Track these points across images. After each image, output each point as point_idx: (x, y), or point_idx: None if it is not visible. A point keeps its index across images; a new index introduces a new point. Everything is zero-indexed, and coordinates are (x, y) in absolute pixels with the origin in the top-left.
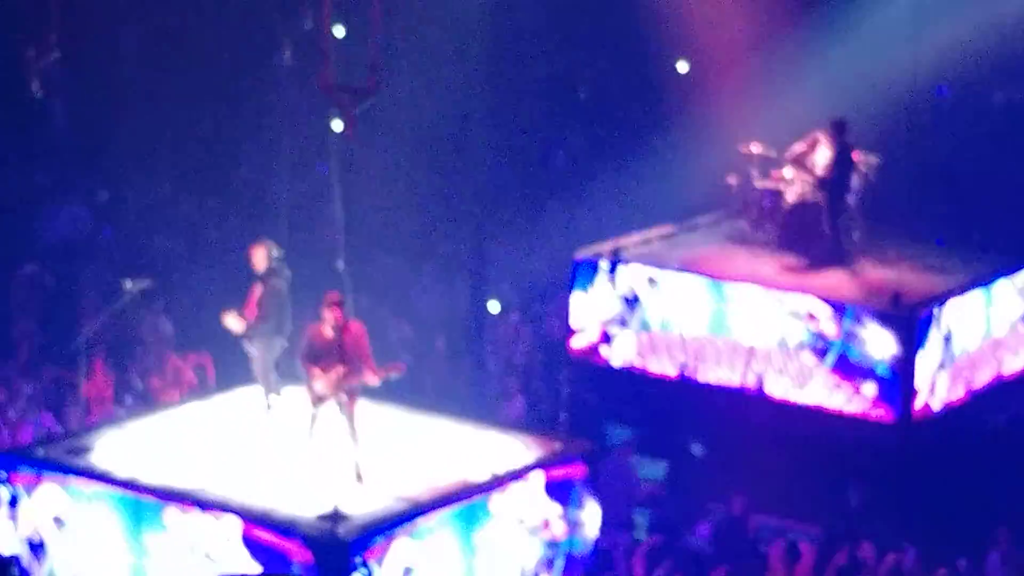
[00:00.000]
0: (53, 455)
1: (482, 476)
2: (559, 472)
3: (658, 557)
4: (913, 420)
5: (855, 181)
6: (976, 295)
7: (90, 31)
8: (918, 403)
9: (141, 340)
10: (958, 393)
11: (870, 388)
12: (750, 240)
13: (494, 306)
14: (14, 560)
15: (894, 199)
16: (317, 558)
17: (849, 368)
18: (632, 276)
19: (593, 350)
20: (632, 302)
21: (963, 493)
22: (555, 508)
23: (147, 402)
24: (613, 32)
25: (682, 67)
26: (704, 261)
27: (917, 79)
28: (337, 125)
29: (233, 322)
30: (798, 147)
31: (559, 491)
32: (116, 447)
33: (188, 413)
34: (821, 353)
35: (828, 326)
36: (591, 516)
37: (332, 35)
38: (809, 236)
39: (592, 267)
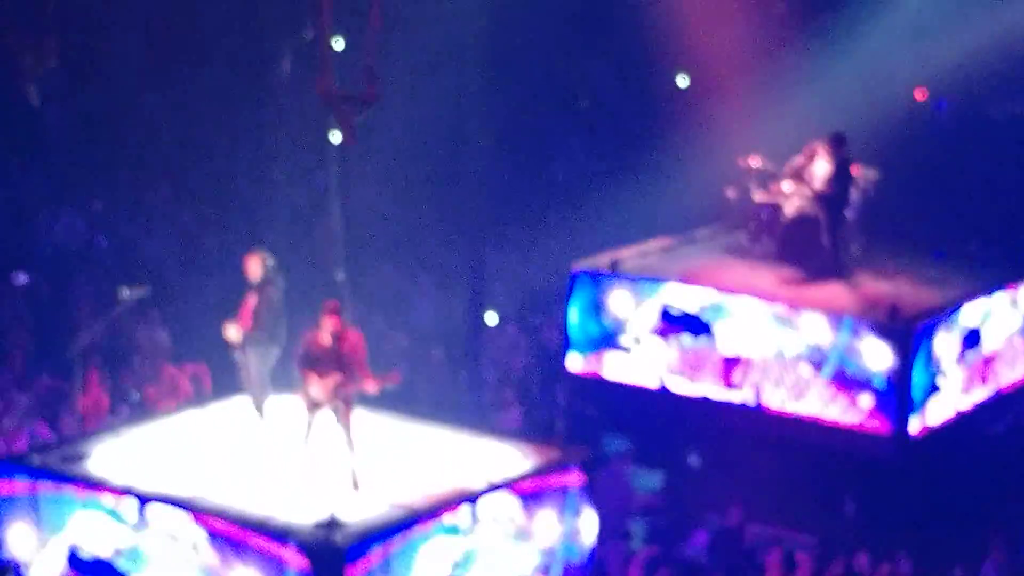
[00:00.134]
0: (49, 463)
1: (479, 484)
2: (556, 480)
3: (654, 567)
4: (908, 431)
5: (854, 195)
6: (974, 308)
7: (88, 39)
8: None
9: (137, 350)
10: (954, 405)
11: (866, 400)
12: (748, 253)
13: (491, 318)
14: (12, 565)
15: (892, 212)
16: (313, 565)
17: (846, 380)
18: (629, 288)
19: (590, 361)
20: (629, 314)
21: (958, 503)
22: (552, 516)
23: (143, 412)
24: (613, 44)
25: (682, 80)
26: (702, 274)
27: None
28: (336, 136)
29: (232, 332)
30: (797, 161)
31: (556, 499)
32: (112, 455)
33: (184, 421)
34: (818, 365)
35: (825, 338)
36: (588, 524)
37: (331, 44)
38: (807, 249)
39: (590, 279)
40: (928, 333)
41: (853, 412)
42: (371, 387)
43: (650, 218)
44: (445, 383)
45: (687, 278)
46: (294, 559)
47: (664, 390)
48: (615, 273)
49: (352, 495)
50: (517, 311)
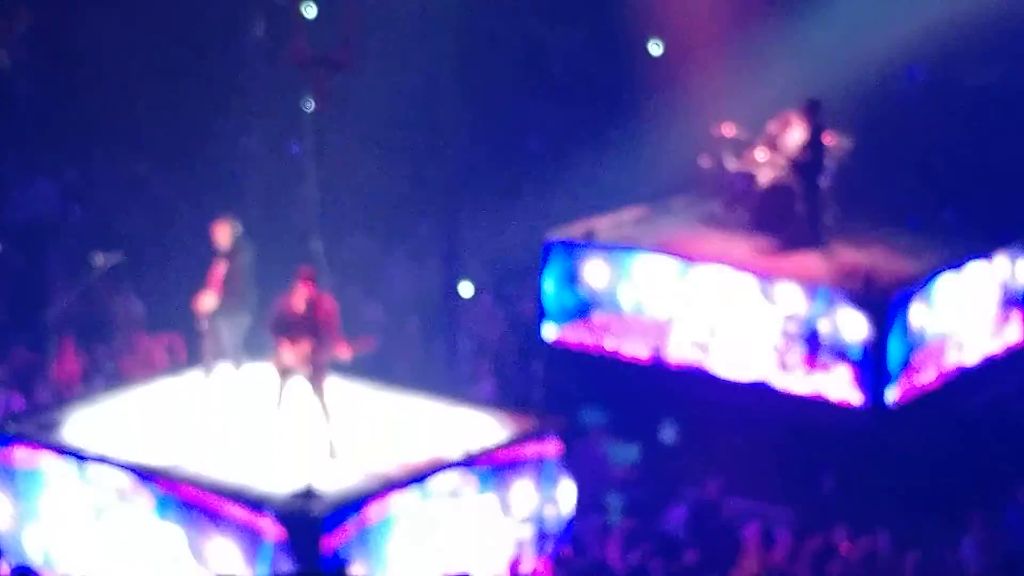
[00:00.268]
0: (24, 431)
1: (455, 453)
2: (533, 449)
3: (632, 540)
4: (886, 403)
5: (828, 163)
6: (949, 278)
7: (58, 6)
8: (890, 386)
9: (111, 320)
10: (931, 377)
11: (842, 371)
12: (722, 222)
13: (466, 288)
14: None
15: (867, 181)
16: (290, 535)
17: (821, 351)
18: (604, 257)
19: (565, 332)
20: (604, 284)
21: (936, 477)
22: (529, 485)
23: (117, 383)
24: (586, 13)
25: (655, 48)
26: (676, 243)
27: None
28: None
29: (208, 301)
30: (771, 128)
31: (533, 468)
32: (87, 424)
33: (159, 390)
34: (793, 336)
35: (800, 309)
36: (565, 493)
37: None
38: (782, 218)
39: (565, 248)
40: (903, 303)
41: (829, 384)
42: (344, 353)
43: (624, 187)
44: (420, 354)
45: (662, 247)
46: (270, 529)
47: (641, 362)
48: (590, 243)
49: (328, 464)
50: (492, 282)
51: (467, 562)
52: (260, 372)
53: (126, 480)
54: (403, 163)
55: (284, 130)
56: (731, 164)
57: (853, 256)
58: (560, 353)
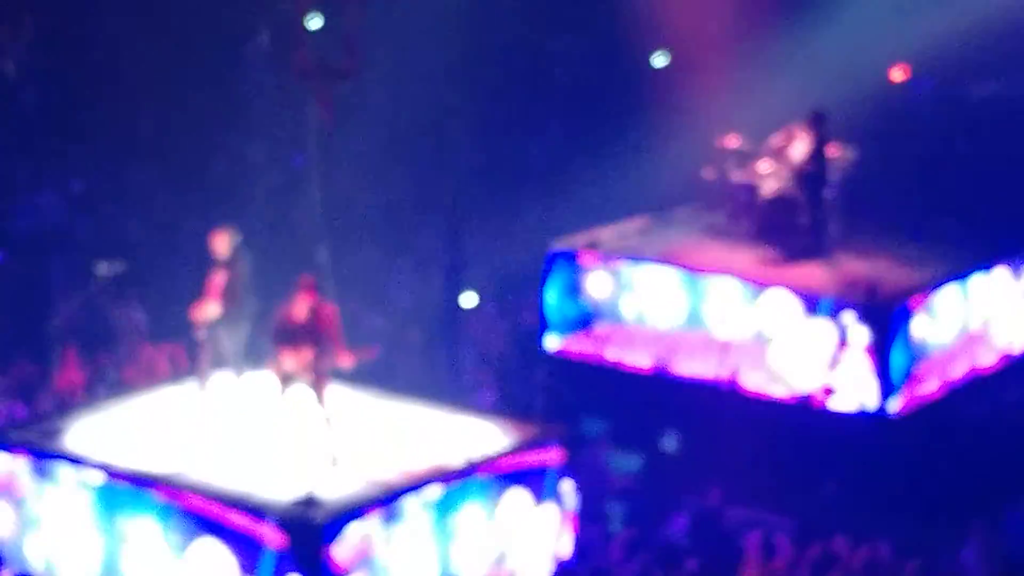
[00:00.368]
0: (26, 438)
1: (457, 461)
2: (535, 457)
3: (634, 549)
4: (888, 413)
5: (832, 174)
6: (952, 289)
7: (64, 16)
8: (893, 396)
9: (114, 330)
10: (933, 387)
11: (845, 381)
12: (726, 233)
13: (469, 299)
14: None
15: (871, 192)
16: (291, 542)
17: (824, 361)
18: (608, 268)
19: (568, 343)
20: (607, 295)
21: (937, 486)
22: (531, 493)
23: (120, 392)
24: (591, 23)
25: (660, 59)
26: (680, 254)
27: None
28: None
29: (212, 309)
30: (775, 140)
31: (535, 476)
32: (89, 431)
33: (161, 398)
34: (796, 346)
35: (804, 319)
36: (567, 501)
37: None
38: (786, 229)
39: (567, 259)
40: (907, 313)
41: (831, 394)
42: (347, 361)
43: (628, 198)
44: (422, 365)
45: (665, 258)
46: (272, 536)
47: (643, 372)
48: (593, 253)
49: (329, 472)
50: (495, 292)
51: (468, 570)
52: (261, 380)
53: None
54: (406, 174)
55: (288, 141)
56: (735, 175)
57: (856, 267)
58: (562, 363)
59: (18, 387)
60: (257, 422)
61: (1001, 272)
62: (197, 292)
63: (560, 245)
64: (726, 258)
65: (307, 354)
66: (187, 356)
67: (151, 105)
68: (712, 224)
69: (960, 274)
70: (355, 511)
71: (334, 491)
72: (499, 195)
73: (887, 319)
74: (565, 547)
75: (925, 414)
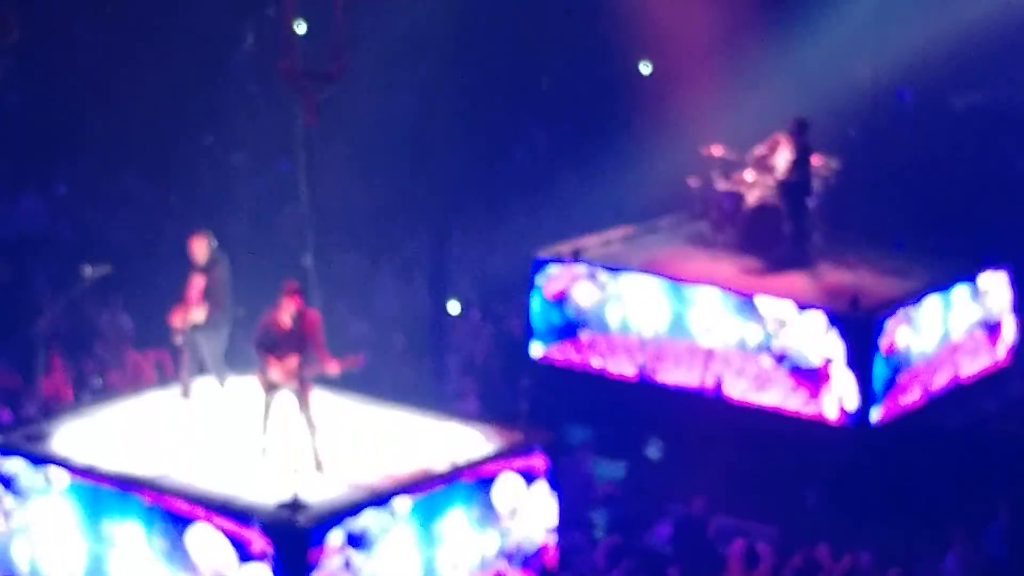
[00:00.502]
0: (10, 442)
1: (442, 466)
2: (519, 463)
3: (617, 557)
4: (870, 422)
5: (816, 184)
6: (934, 299)
7: (49, 19)
8: (875, 406)
9: (100, 336)
10: (915, 396)
11: (827, 391)
12: (710, 242)
13: (454, 307)
14: None
15: (854, 202)
16: (276, 546)
17: (807, 371)
18: (592, 277)
19: (552, 350)
20: (592, 303)
21: (919, 495)
22: (514, 498)
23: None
24: (576, 31)
25: (644, 68)
26: (664, 263)
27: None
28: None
29: (190, 314)
30: (759, 150)
31: (519, 481)
32: (75, 435)
33: (146, 403)
34: (779, 355)
35: (787, 328)
36: (550, 507)
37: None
38: (769, 239)
39: (552, 267)
40: (889, 324)
41: (814, 403)
42: (333, 368)
43: (613, 206)
44: (407, 371)
45: (649, 267)
46: (257, 540)
47: (627, 380)
48: (578, 261)
49: (314, 476)
50: (480, 299)
51: (452, 574)
52: (244, 385)
53: (112, 490)
54: (392, 181)
55: (273, 146)
56: (719, 184)
57: (840, 276)
58: (547, 370)
59: (2, 392)
60: (242, 427)
61: (983, 282)
62: (182, 297)
63: (545, 253)
64: (710, 267)
65: (292, 361)
66: (173, 362)
67: (136, 109)
68: (696, 233)
69: (942, 285)
70: (340, 515)
71: (319, 495)
72: (484, 202)
73: (869, 329)
74: (549, 553)
75: (907, 423)
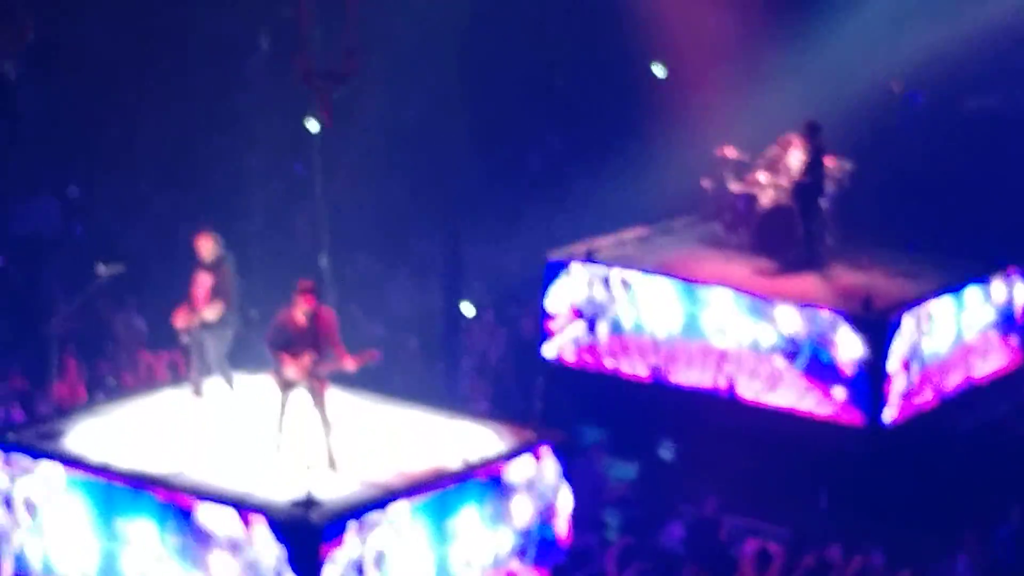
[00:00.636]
0: (24, 439)
1: (455, 464)
2: (532, 461)
3: (630, 557)
4: (883, 423)
5: (828, 186)
6: (947, 301)
7: (65, 22)
8: (888, 407)
9: (113, 337)
10: (927, 398)
11: (840, 392)
12: (723, 243)
13: (468, 308)
14: None
15: (867, 204)
16: (289, 544)
17: (820, 372)
18: (605, 278)
19: (566, 352)
20: (605, 304)
21: (931, 496)
22: (527, 497)
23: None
24: (590, 34)
25: (658, 70)
26: (677, 264)
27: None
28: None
29: (196, 314)
30: (772, 151)
31: (531, 480)
32: (88, 433)
33: (160, 401)
34: (792, 356)
35: (799, 329)
36: (563, 506)
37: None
38: (782, 240)
39: (566, 268)
40: (902, 325)
41: (827, 404)
42: (349, 365)
43: (626, 208)
44: (421, 373)
45: (662, 268)
46: (270, 538)
47: (640, 381)
48: (591, 262)
49: (328, 474)
50: (494, 301)
51: (465, 573)
52: (257, 384)
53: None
54: (406, 182)
55: (287, 148)
56: (733, 186)
57: (852, 278)
58: (560, 371)
59: (16, 392)
60: (255, 425)
61: (996, 284)
62: (187, 297)
63: (559, 254)
64: (723, 268)
65: (307, 359)
66: (185, 363)
67: (150, 111)
68: (709, 234)
69: (955, 286)
70: (353, 513)
71: (332, 493)
72: (498, 204)
73: (882, 330)
74: (561, 552)
75: (919, 425)
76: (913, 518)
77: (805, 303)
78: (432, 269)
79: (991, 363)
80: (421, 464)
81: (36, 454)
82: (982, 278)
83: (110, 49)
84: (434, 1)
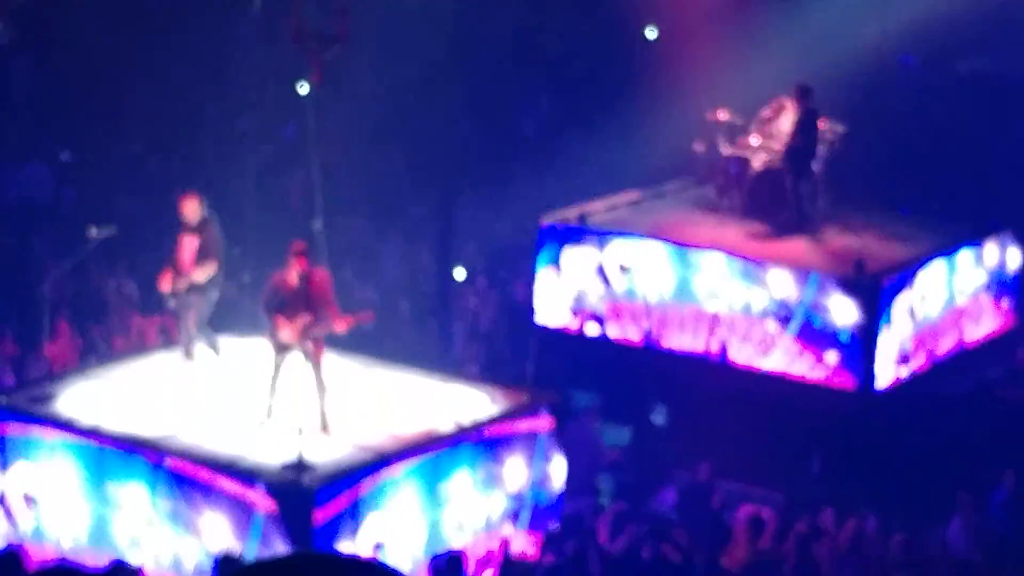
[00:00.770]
0: (16, 404)
1: (448, 427)
2: (525, 424)
3: (622, 522)
4: (875, 388)
5: (821, 148)
6: (939, 264)
7: None
8: (879, 370)
9: (105, 302)
10: (920, 361)
11: (833, 356)
12: (716, 207)
13: (460, 273)
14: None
15: (859, 167)
16: (281, 507)
17: (812, 335)
18: (597, 243)
19: (558, 316)
20: (598, 269)
21: (924, 460)
22: (521, 461)
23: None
24: None
25: (650, 33)
26: (670, 228)
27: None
28: (304, 88)
29: (200, 274)
30: (764, 114)
31: (525, 443)
32: (79, 397)
33: (151, 365)
34: (784, 320)
35: (791, 294)
36: (556, 468)
37: None
38: (775, 203)
39: (558, 232)
40: (894, 288)
41: (819, 368)
42: (342, 326)
43: (618, 172)
44: (413, 337)
45: (655, 232)
46: (262, 501)
47: (632, 345)
48: (584, 227)
49: (321, 437)
50: (486, 265)
51: (458, 537)
52: (249, 347)
53: (116, 451)
54: (398, 147)
55: (279, 113)
56: (725, 149)
57: (844, 241)
58: (553, 336)
59: (7, 357)
60: (247, 388)
61: (989, 247)
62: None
63: (551, 218)
64: (715, 232)
65: (302, 320)
66: (177, 327)
67: (140, 76)
68: (702, 197)
69: (948, 249)
70: (345, 476)
71: (324, 456)
72: (490, 168)
73: (874, 293)
74: (553, 515)
75: (912, 389)
76: (906, 482)
77: (797, 267)
78: (424, 233)
79: (983, 327)
80: (414, 427)
81: (27, 418)
82: (975, 241)
83: (101, 14)
84: None
